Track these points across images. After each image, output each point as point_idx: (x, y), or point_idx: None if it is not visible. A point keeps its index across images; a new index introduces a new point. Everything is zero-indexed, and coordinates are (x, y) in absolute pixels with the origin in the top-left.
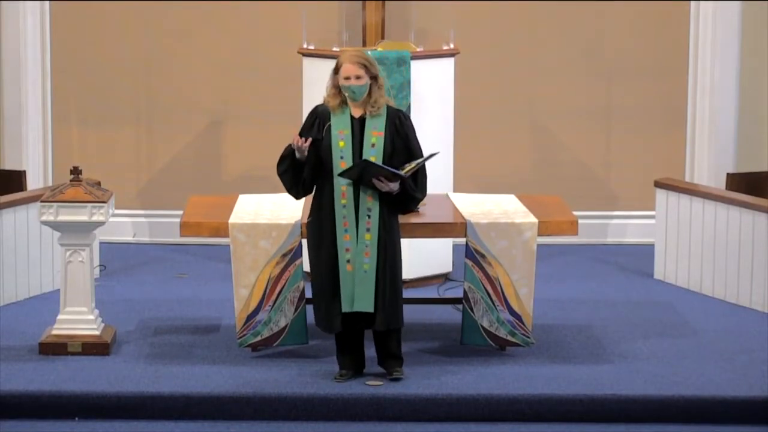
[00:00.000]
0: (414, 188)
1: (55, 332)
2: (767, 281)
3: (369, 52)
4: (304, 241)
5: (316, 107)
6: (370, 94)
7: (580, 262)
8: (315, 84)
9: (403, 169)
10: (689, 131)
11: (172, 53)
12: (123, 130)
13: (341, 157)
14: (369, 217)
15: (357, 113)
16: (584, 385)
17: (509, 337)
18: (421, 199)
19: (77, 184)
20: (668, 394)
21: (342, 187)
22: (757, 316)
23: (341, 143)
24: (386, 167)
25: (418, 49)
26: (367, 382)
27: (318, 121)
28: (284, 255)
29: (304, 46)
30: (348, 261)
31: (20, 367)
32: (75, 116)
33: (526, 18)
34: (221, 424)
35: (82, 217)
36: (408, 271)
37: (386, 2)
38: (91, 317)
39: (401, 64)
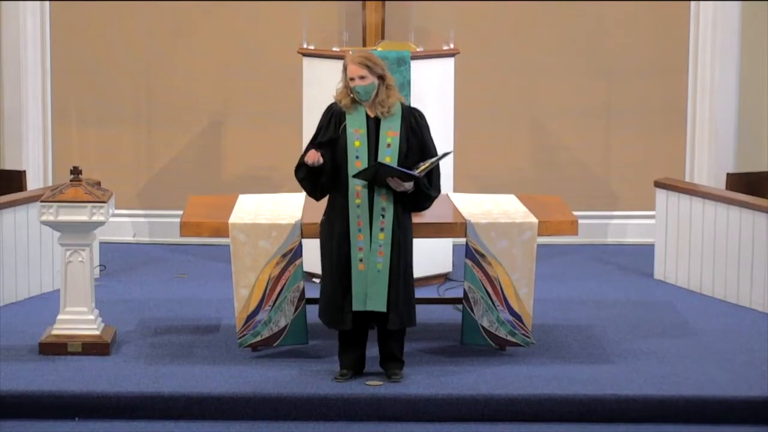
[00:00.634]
0: (428, 186)
1: (55, 332)
2: (767, 281)
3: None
4: (305, 241)
5: (331, 105)
6: (377, 93)
7: (580, 262)
8: (315, 84)
9: (417, 169)
10: (689, 131)
11: (172, 53)
12: (123, 130)
13: (357, 157)
14: (383, 216)
15: (372, 112)
16: (584, 385)
17: (509, 337)
18: (436, 197)
19: (77, 184)
20: (668, 394)
21: (357, 187)
22: (757, 316)
23: (357, 143)
24: (400, 168)
25: (418, 49)
26: (367, 382)
27: (334, 120)
28: (284, 255)
29: (304, 46)
30: (361, 260)
31: (20, 367)
32: (75, 116)
33: (526, 18)
34: (221, 424)
35: (82, 217)
36: None
37: (386, 2)
38: (91, 317)
39: (401, 64)
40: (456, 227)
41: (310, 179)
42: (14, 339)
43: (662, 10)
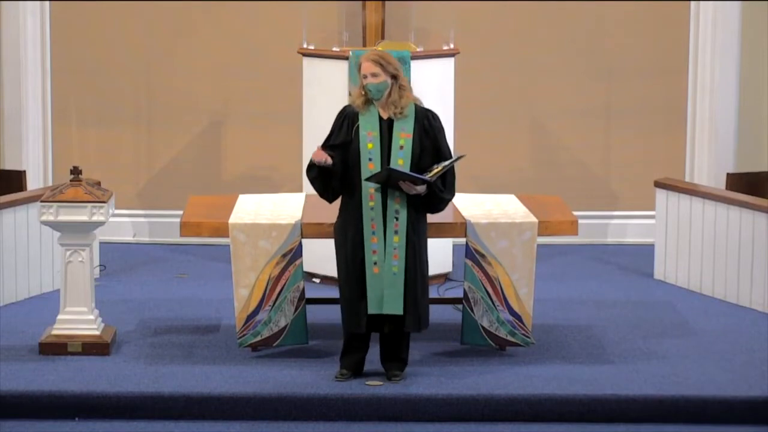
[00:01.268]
0: (442, 189)
1: (55, 332)
2: (767, 281)
3: None
4: (305, 241)
5: (345, 108)
6: (390, 93)
7: (580, 262)
8: (315, 84)
9: (430, 172)
10: (689, 131)
11: (172, 53)
12: (123, 130)
13: (369, 159)
14: (397, 219)
15: (385, 114)
16: (584, 385)
17: (509, 337)
18: (450, 200)
19: (77, 184)
20: (668, 394)
21: (370, 190)
22: (757, 316)
23: (369, 145)
24: (410, 173)
25: (418, 49)
26: (367, 382)
27: (347, 122)
28: (284, 255)
29: (304, 46)
30: (375, 263)
31: (20, 367)
32: (75, 116)
33: (526, 18)
34: (221, 424)
35: (82, 217)
36: None
37: (386, 2)
38: (91, 317)
39: (401, 64)
40: (456, 227)
41: (321, 179)
42: (14, 339)
43: (662, 10)
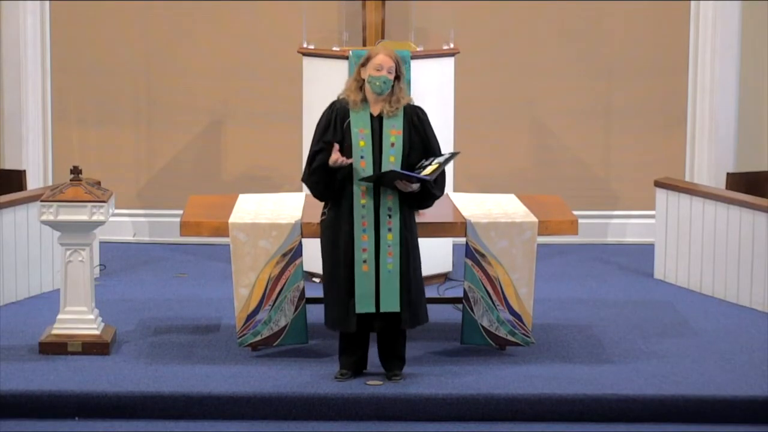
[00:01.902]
0: (434, 186)
1: (55, 332)
2: (767, 281)
3: None
4: (305, 241)
5: (334, 103)
6: (392, 91)
7: (580, 262)
8: (315, 84)
9: (423, 169)
10: (689, 131)
11: (172, 53)
12: (123, 130)
13: (361, 157)
14: (390, 217)
15: (375, 111)
16: (584, 385)
17: (509, 337)
18: (440, 197)
19: (77, 183)
20: (668, 394)
21: (362, 188)
22: (757, 316)
23: (361, 143)
24: (409, 173)
25: (418, 49)
26: (367, 382)
27: (336, 119)
28: (284, 255)
29: (304, 46)
30: (364, 261)
31: (20, 366)
32: (75, 116)
33: (526, 18)
34: (221, 424)
35: (82, 217)
36: None
37: (386, 2)
38: (91, 317)
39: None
40: (456, 227)
41: (324, 184)
42: (14, 339)
43: (662, 10)
